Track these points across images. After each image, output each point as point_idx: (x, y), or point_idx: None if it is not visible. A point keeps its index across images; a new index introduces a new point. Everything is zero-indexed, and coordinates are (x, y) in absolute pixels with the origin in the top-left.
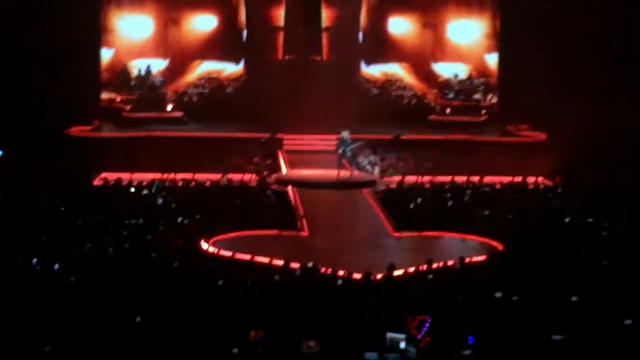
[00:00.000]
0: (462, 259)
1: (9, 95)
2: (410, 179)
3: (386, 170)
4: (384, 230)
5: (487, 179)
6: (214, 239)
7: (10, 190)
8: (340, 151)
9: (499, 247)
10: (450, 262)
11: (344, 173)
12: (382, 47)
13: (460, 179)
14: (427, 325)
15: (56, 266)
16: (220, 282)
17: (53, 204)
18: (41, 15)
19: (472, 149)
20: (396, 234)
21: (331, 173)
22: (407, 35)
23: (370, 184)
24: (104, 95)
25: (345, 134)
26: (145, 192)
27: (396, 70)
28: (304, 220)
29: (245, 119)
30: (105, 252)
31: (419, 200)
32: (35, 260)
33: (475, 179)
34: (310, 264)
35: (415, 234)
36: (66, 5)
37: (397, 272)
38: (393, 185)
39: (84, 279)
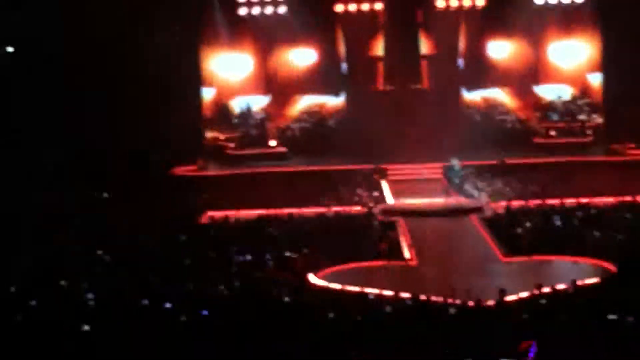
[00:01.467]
0: (574, 282)
1: (114, 137)
2: (518, 203)
3: (492, 195)
4: (493, 256)
5: (596, 200)
6: (323, 272)
7: (117, 231)
8: (449, 179)
9: (612, 268)
10: (561, 286)
11: (451, 200)
12: (483, 72)
13: (568, 201)
14: (534, 349)
15: (167, 305)
16: (331, 315)
17: (161, 244)
18: (143, 58)
19: (578, 170)
20: (505, 259)
21: (437, 201)
22: (507, 59)
23: (477, 210)
24: (208, 134)
25: (455, 162)
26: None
27: (498, 94)
28: (412, 250)
29: (348, 151)
30: (215, 290)
31: (527, 224)
32: (145, 300)
33: (584, 200)
34: (420, 294)
35: (525, 258)
36: (167, 48)
37: (509, 298)
38: (500, 211)
39: (195, 318)
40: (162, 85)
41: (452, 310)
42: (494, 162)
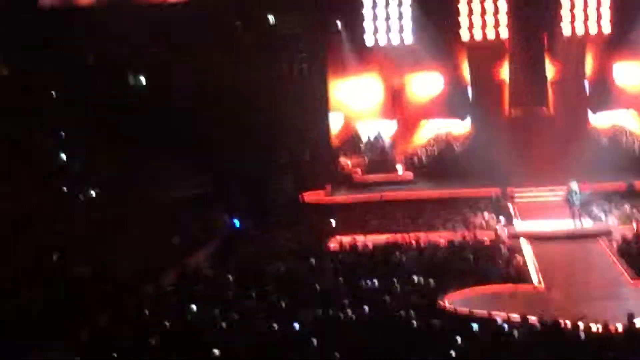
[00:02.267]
0: None
1: (244, 164)
2: None
3: (621, 219)
4: (622, 280)
5: None
6: (450, 296)
7: (247, 256)
8: (570, 202)
9: None
10: None
11: (577, 224)
12: (609, 95)
13: None
14: None
15: (296, 326)
16: (459, 340)
17: (289, 268)
18: (273, 86)
19: None
20: (634, 283)
21: (564, 224)
22: (634, 82)
23: (606, 233)
24: (336, 160)
25: (574, 185)
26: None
27: (625, 118)
28: (540, 274)
29: (474, 176)
30: (344, 315)
31: None
32: (275, 324)
33: None
34: (548, 319)
35: None
36: (296, 76)
37: (638, 322)
38: (629, 234)
39: (325, 342)
40: (291, 112)
41: (581, 335)
42: (622, 185)
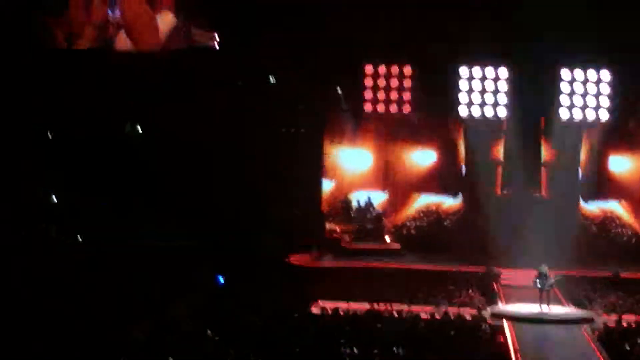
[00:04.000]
0: None
1: (234, 221)
2: (630, 317)
3: (605, 308)
4: None
5: None
6: None
7: (228, 313)
8: (538, 285)
9: None
10: None
11: (544, 308)
12: (602, 185)
13: None
14: None
15: None
16: None
17: (271, 330)
18: (268, 146)
19: None
20: None
21: (549, 309)
22: (627, 173)
23: (588, 321)
24: (326, 225)
25: (544, 269)
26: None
27: (615, 207)
28: (518, 355)
29: (462, 252)
30: None
31: (638, 340)
32: None
33: None
34: None
35: None
36: (293, 138)
37: None
38: (611, 324)
39: None
40: (285, 174)
41: None
42: (607, 274)
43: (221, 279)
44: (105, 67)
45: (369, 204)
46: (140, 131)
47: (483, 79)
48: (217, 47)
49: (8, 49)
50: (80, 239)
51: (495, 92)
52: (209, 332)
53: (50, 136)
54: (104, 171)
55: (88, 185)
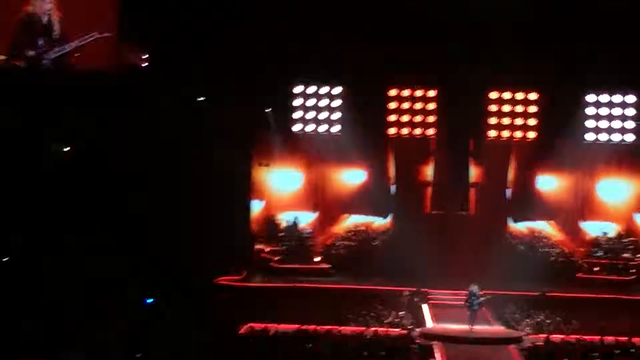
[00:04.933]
0: None
1: (161, 247)
2: (557, 337)
3: (532, 327)
4: None
5: (637, 340)
6: None
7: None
8: (468, 305)
9: None
10: None
11: (472, 327)
12: (530, 204)
13: (608, 338)
14: None
15: None
16: None
17: (201, 354)
18: (194, 167)
19: (620, 308)
20: None
21: (478, 328)
22: (555, 192)
23: (516, 340)
24: (254, 246)
25: (474, 288)
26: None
27: (544, 227)
28: None
29: (391, 272)
30: None
31: (566, 359)
32: None
33: (623, 339)
34: None
35: None
36: (219, 158)
37: None
38: (539, 343)
39: None
40: (211, 195)
41: None
42: (535, 293)
43: (149, 301)
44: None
45: (297, 224)
46: (66, 150)
47: (412, 99)
48: (145, 67)
49: None
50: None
51: (425, 112)
52: (138, 356)
53: None
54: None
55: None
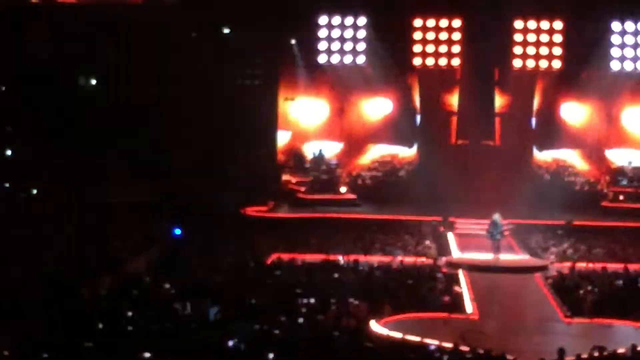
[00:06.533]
0: (634, 347)
1: (190, 175)
2: (582, 265)
3: (558, 256)
4: (554, 316)
5: None
6: (384, 320)
7: (186, 266)
8: (491, 234)
9: None
10: (621, 350)
11: (496, 256)
12: (555, 133)
13: (633, 266)
14: None
15: (230, 343)
16: None
17: (227, 282)
18: (221, 98)
19: None
20: (567, 320)
21: (503, 257)
22: (580, 122)
23: (542, 269)
24: (281, 177)
25: (497, 217)
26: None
27: (569, 156)
28: (474, 304)
29: (417, 202)
30: (277, 330)
31: (591, 287)
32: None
33: None
34: (480, 349)
35: (587, 320)
36: (246, 90)
37: (568, 358)
38: (565, 271)
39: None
40: (238, 126)
41: None
42: (560, 222)
43: (178, 232)
44: (60, 19)
45: (323, 154)
46: (94, 84)
47: (437, 29)
48: (173, 1)
49: None
50: (35, 194)
51: (450, 41)
52: (166, 285)
53: (2, 89)
54: (58, 126)
55: (43, 140)
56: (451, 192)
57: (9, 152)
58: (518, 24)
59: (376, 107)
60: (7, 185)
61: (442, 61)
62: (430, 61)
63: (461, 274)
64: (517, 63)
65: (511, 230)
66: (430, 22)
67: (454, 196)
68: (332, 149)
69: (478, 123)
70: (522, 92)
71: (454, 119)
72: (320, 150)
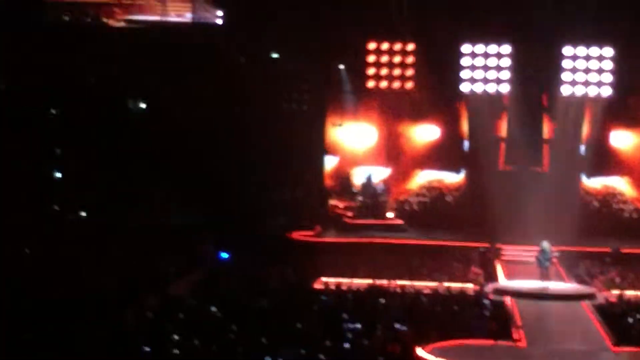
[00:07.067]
0: None
1: (238, 198)
2: (631, 293)
3: (606, 284)
4: (602, 344)
5: None
6: (431, 346)
7: (232, 289)
8: (539, 262)
9: None
10: None
11: (545, 284)
12: (604, 160)
13: None
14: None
15: None
16: None
17: (274, 306)
18: (271, 123)
19: None
20: (615, 349)
21: (550, 284)
22: (629, 149)
23: (590, 296)
24: (329, 202)
25: (546, 244)
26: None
27: (618, 183)
28: (521, 331)
29: (464, 228)
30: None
31: (639, 315)
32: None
33: None
34: None
35: (636, 349)
36: (295, 115)
37: None
38: (613, 299)
39: None
40: (288, 150)
41: None
42: (608, 249)
43: (224, 255)
44: (107, 41)
45: (371, 179)
46: (143, 107)
47: (486, 55)
48: (221, 24)
49: (8, 23)
50: (84, 215)
51: (498, 68)
52: (212, 308)
53: (53, 112)
54: (107, 148)
55: (92, 161)
56: (498, 218)
57: (58, 174)
58: (567, 50)
59: (424, 133)
60: (55, 207)
61: (491, 87)
62: (478, 87)
63: (507, 301)
64: (566, 90)
65: (559, 257)
66: (479, 49)
67: (501, 222)
68: (380, 174)
69: (526, 149)
70: (571, 119)
71: (502, 145)
72: (369, 175)
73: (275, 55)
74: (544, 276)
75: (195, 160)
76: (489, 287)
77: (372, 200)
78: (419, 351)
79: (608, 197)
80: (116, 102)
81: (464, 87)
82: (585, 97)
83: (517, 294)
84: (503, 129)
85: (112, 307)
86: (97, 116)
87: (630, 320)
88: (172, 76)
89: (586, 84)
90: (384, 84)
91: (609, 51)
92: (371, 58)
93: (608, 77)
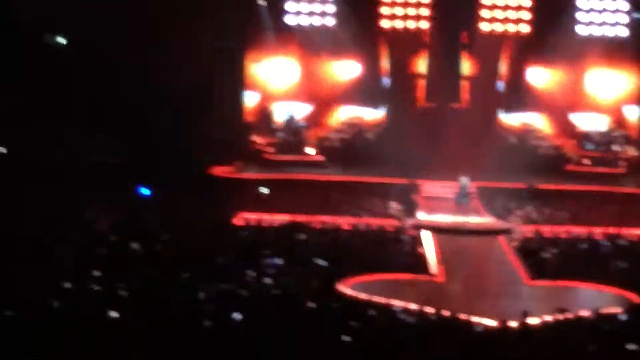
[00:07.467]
0: (596, 310)
1: (159, 135)
2: (546, 228)
3: (522, 219)
4: (518, 279)
5: (625, 232)
6: (351, 281)
7: (152, 228)
8: (457, 196)
9: (635, 299)
10: (584, 313)
11: (466, 219)
12: (521, 97)
13: (597, 230)
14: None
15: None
16: (355, 324)
17: (194, 242)
18: (188, 59)
19: (609, 200)
20: (531, 283)
21: (467, 219)
22: (546, 86)
23: (506, 231)
24: (248, 138)
25: (464, 180)
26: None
27: (535, 119)
28: (440, 266)
29: (384, 164)
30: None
31: (554, 250)
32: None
33: (613, 230)
34: (445, 311)
35: (550, 283)
36: (213, 51)
37: (532, 321)
38: (529, 234)
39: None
40: (206, 87)
41: (476, 329)
42: (524, 185)
43: (146, 192)
44: None
45: (291, 116)
46: (64, 42)
47: None
48: None
49: None
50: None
51: (418, 5)
52: (133, 245)
53: None
54: (28, 85)
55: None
56: (417, 155)
57: None
58: None
59: (345, 69)
60: None
61: (411, 24)
62: (398, 24)
63: (426, 236)
64: (485, 27)
65: (477, 193)
66: None
67: (420, 159)
68: (300, 111)
69: (445, 86)
70: (490, 56)
71: (422, 82)
72: (289, 111)
73: None
74: (462, 211)
75: (115, 97)
76: (408, 223)
77: (293, 136)
78: (339, 286)
79: (525, 134)
80: (36, 35)
81: (384, 24)
82: (504, 34)
83: (436, 229)
84: (423, 65)
85: (35, 247)
86: (17, 50)
87: (546, 255)
88: (93, 9)
89: (505, 21)
90: (304, 20)
91: None
92: None
93: (526, 15)
